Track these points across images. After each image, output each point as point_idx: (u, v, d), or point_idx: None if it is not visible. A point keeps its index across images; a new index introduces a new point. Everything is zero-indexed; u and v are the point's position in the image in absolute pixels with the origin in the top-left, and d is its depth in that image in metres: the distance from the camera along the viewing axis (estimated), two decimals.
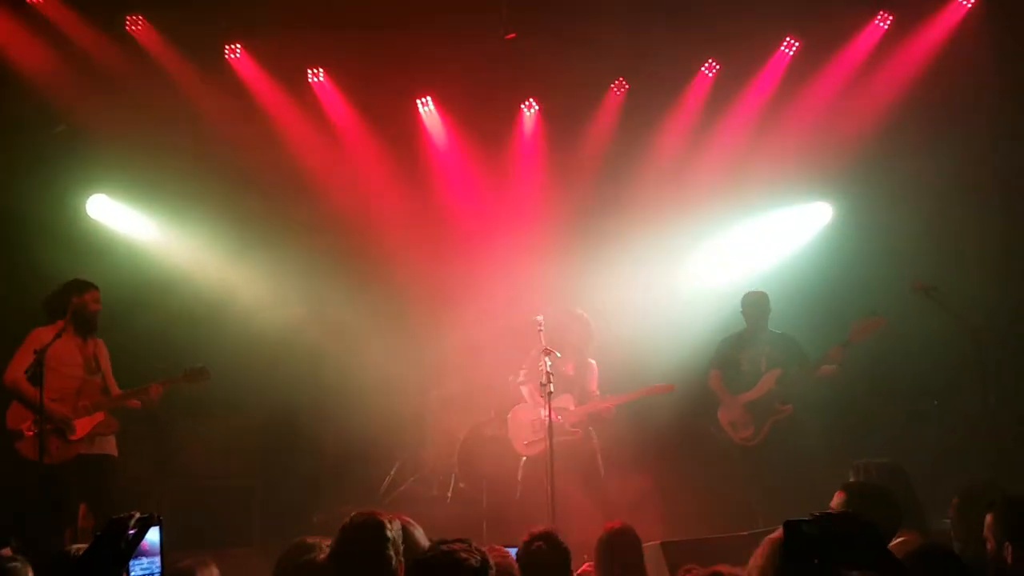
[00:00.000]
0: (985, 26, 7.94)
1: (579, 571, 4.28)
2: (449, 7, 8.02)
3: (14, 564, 3.47)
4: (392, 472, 8.44)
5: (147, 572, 2.70)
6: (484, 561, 2.84)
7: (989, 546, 3.49)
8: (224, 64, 8.23)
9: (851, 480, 4.39)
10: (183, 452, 7.86)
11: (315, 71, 8.46)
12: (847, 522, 2.38)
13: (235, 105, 8.22)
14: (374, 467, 8.40)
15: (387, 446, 8.33)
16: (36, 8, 7.62)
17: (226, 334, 7.97)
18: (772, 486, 6.93)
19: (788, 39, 8.38)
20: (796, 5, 8.19)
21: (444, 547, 2.85)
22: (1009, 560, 3.39)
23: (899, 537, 3.87)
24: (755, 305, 7.44)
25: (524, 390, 7.48)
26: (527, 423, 7.37)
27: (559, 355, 6.42)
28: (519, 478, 7.34)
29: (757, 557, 2.59)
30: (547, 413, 6.28)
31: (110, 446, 6.51)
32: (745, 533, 5.33)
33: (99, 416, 6.38)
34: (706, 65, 8.63)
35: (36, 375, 5.84)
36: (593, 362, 7.43)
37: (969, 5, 7.99)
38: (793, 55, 8.42)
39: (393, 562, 3.20)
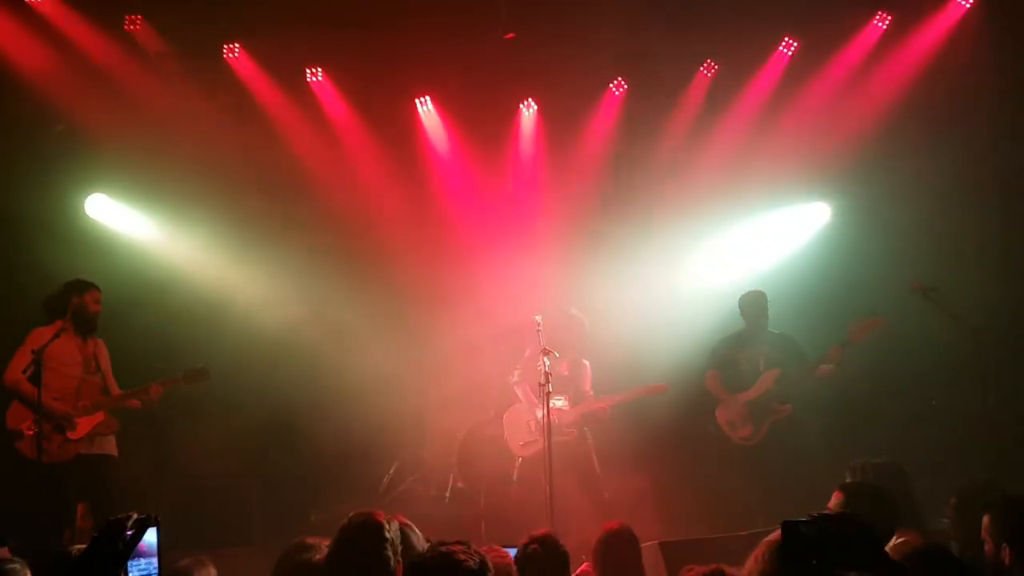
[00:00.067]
0: (984, 26, 7.94)
1: (577, 572, 4.27)
2: (448, 7, 8.03)
3: (13, 566, 3.46)
4: (391, 472, 8.45)
5: (145, 573, 2.69)
6: (483, 563, 2.84)
7: (987, 547, 3.49)
8: (223, 64, 8.22)
9: (848, 480, 4.40)
10: (182, 452, 7.87)
11: (314, 71, 8.45)
12: (844, 523, 2.39)
13: (234, 105, 8.22)
14: (373, 467, 8.40)
15: (386, 446, 8.34)
16: (35, 8, 7.61)
17: (225, 334, 7.96)
18: (770, 486, 6.92)
19: (786, 39, 8.37)
20: (794, 5, 8.19)
21: (443, 548, 2.85)
22: (1007, 561, 3.39)
23: (899, 537, 3.88)
24: (753, 305, 7.45)
25: (519, 391, 7.48)
26: (522, 424, 7.37)
27: (558, 355, 6.42)
28: (515, 479, 7.34)
29: (754, 560, 2.59)
30: (544, 413, 6.28)
31: (110, 446, 6.51)
32: (743, 533, 5.34)
33: (99, 416, 6.39)
34: (705, 65, 8.62)
35: (34, 375, 5.85)
36: (587, 362, 7.43)
37: (968, 5, 7.98)
38: (792, 55, 8.41)
39: (392, 562, 3.21)
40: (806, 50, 8.36)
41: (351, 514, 3.35)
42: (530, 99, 8.84)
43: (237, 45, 8.22)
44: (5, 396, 6.32)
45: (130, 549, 2.51)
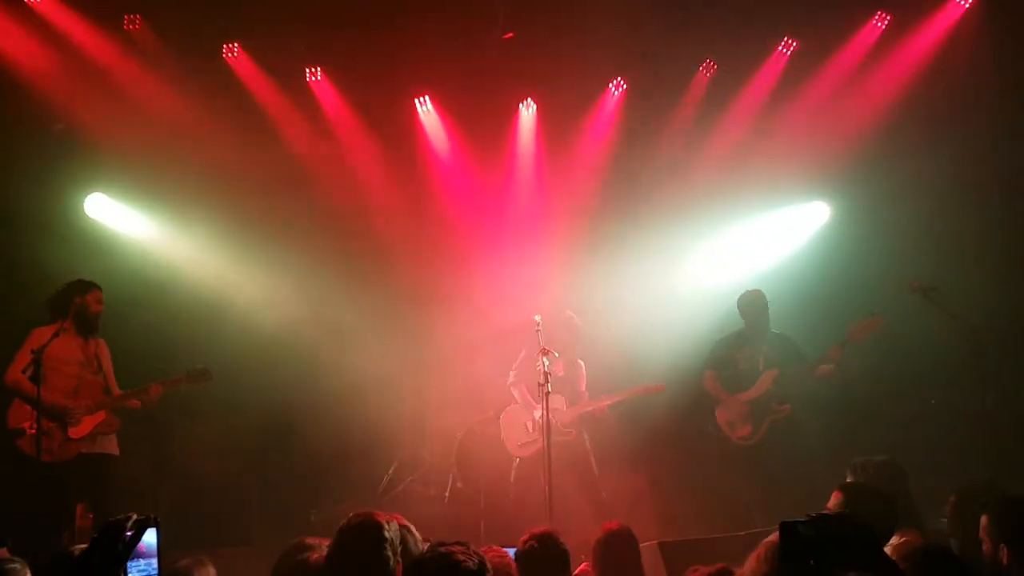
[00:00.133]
0: (984, 26, 7.94)
1: (576, 571, 4.27)
2: (447, 7, 8.03)
3: (13, 566, 3.46)
4: (390, 471, 8.45)
5: (145, 574, 2.70)
6: (482, 564, 2.85)
7: (985, 547, 3.49)
8: (222, 63, 8.22)
9: (848, 479, 4.40)
10: (181, 452, 7.86)
11: (313, 70, 8.45)
12: (843, 523, 2.38)
13: (233, 104, 8.22)
14: (372, 467, 8.40)
15: (385, 446, 8.34)
16: (34, 8, 7.61)
17: (224, 334, 7.96)
18: (770, 486, 6.92)
19: (785, 39, 8.37)
20: (794, 5, 8.19)
21: (442, 549, 2.85)
22: (1005, 561, 3.39)
23: (899, 537, 3.87)
24: (752, 304, 7.44)
25: (515, 392, 7.48)
26: (519, 424, 7.37)
27: (557, 355, 6.41)
28: (512, 479, 7.34)
29: (755, 560, 2.59)
30: (542, 414, 6.27)
31: (111, 445, 6.51)
32: (743, 533, 5.35)
33: (101, 415, 6.39)
34: (704, 65, 8.62)
35: (34, 374, 5.85)
36: (581, 363, 7.44)
37: (967, 5, 7.98)
38: (791, 55, 8.41)
39: (391, 563, 3.21)
40: (805, 50, 8.36)
41: (350, 514, 3.34)
42: (529, 99, 8.84)
43: (236, 45, 8.22)
44: (6, 395, 6.32)
45: (130, 550, 2.51)
